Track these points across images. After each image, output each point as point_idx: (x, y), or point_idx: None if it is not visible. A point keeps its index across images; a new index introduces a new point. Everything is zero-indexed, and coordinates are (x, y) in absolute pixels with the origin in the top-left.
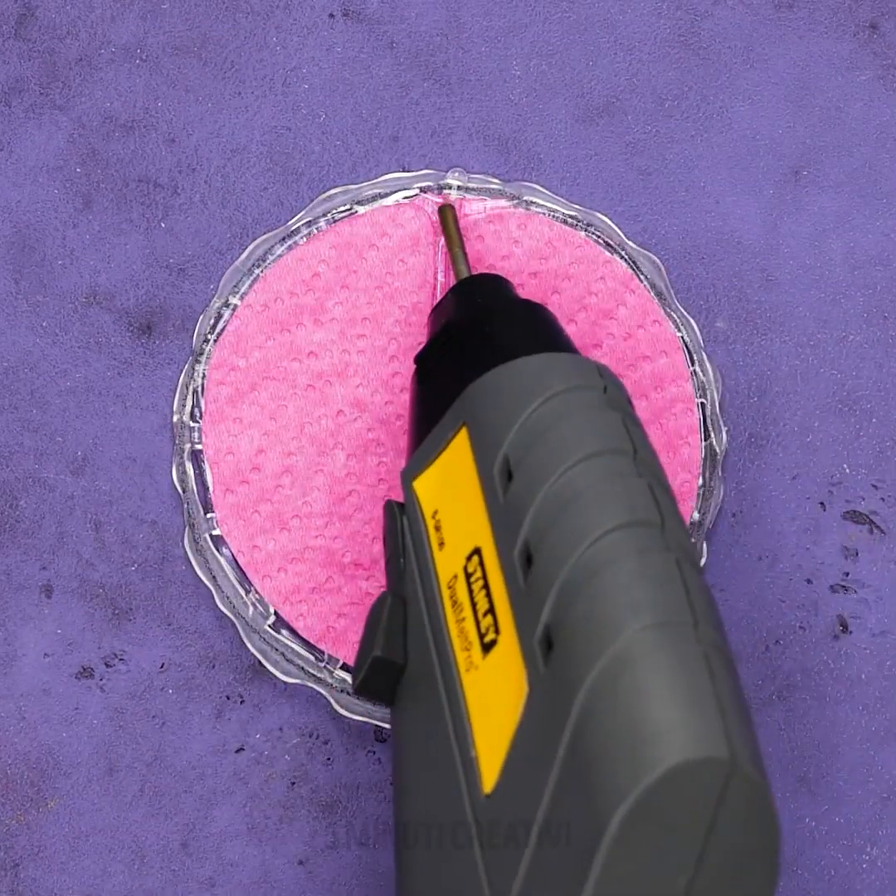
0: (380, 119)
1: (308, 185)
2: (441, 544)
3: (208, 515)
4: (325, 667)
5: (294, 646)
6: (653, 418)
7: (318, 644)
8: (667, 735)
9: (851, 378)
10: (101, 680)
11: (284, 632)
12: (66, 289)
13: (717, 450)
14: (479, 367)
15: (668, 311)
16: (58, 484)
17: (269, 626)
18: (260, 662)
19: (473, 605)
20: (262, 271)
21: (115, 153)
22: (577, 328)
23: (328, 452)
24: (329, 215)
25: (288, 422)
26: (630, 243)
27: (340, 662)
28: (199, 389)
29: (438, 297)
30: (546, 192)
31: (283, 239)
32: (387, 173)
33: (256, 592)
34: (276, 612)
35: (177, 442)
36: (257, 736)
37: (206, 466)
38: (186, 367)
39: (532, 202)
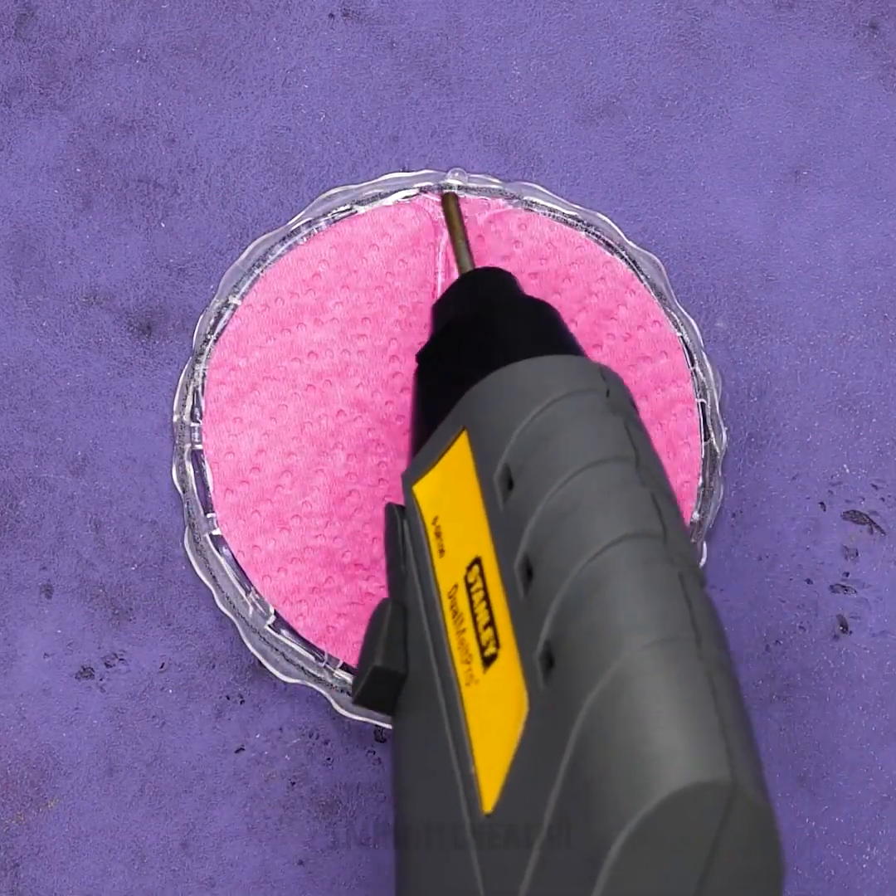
0: (380, 119)
1: (308, 185)
2: (441, 552)
3: (208, 515)
4: (325, 667)
5: (294, 646)
6: (653, 418)
7: (318, 644)
8: (668, 759)
9: (851, 378)
10: (101, 680)
11: (284, 632)
12: (66, 289)
13: (717, 450)
14: (481, 368)
15: (669, 311)
16: (58, 484)
17: (269, 626)
18: (260, 662)
19: (474, 616)
20: (262, 271)
21: (115, 153)
22: (578, 328)
23: (328, 452)
24: (329, 215)
25: (288, 421)
26: (630, 243)
27: (340, 662)
28: (200, 389)
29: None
30: (546, 192)
31: (284, 239)
32: (387, 173)
33: (256, 592)
34: (276, 612)
35: (177, 442)
36: (257, 736)
37: (206, 466)
38: (186, 366)
39: (532, 202)
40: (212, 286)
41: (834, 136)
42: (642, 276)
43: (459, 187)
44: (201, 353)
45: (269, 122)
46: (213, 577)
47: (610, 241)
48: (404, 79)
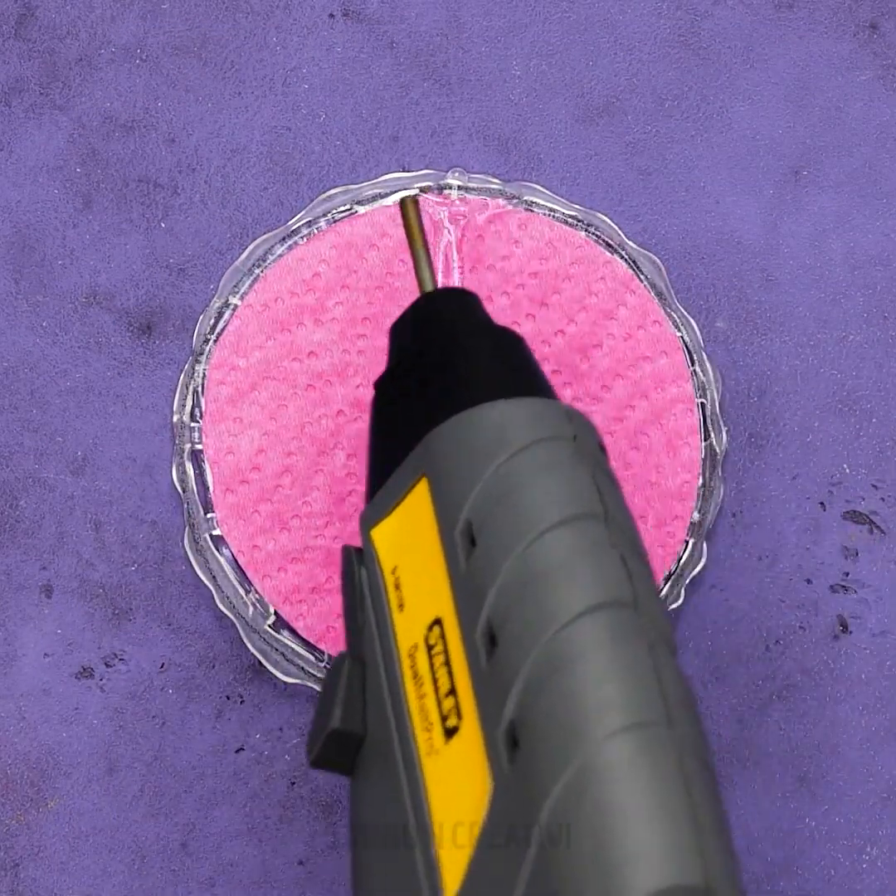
0: (380, 119)
1: (308, 185)
2: (401, 606)
3: (208, 515)
4: (325, 667)
5: (294, 646)
6: (653, 418)
7: (318, 644)
8: (636, 861)
9: (851, 378)
10: (101, 680)
11: (284, 632)
12: (66, 289)
13: (717, 450)
14: (441, 409)
15: (668, 311)
16: (58, 484)
17: (269, 626)
18: (260, 662)
19: (435, 681)
20: (262, 271)
21: (115, 153)
22: (578, 328)
23: (328, 452)
24: (329, 215)
25: (288, 421)
26: (630, 243)
27: None
28: (200, 389)
29: None
30: (546, 192)
31: (284, 239)
32: (387, 173)
33: (256, 592)
34: (276, 612)
35: (177, 442)
36: (257, 736)
37: (207, 466)
38: (186, 366)
39: (532, 202)
40: (212, 286)
41: (834, 136)
42: (642, 276)
43: (459, 187)
44: (201, 353)
45: (269, 122)
46: (213, 577)
47: (610, 241)
48: (404, 79)
